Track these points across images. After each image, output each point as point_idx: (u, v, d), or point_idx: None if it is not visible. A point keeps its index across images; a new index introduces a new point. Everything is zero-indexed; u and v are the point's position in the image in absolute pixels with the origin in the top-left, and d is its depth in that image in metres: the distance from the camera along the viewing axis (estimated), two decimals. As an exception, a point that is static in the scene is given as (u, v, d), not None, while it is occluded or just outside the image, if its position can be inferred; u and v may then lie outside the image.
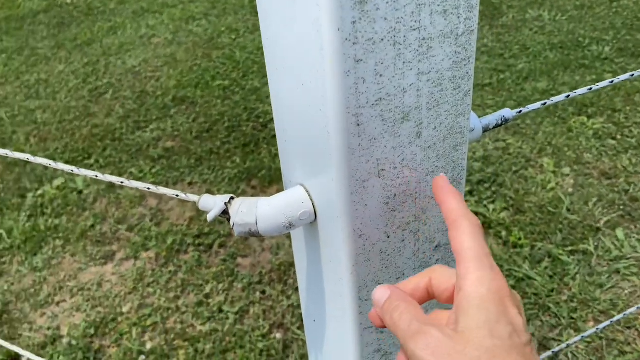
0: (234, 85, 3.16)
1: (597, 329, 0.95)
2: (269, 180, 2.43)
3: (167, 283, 2.01)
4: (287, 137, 0.46)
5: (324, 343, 0.56)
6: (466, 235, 0.37)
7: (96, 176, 0.53)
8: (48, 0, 4.66)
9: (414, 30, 0.36)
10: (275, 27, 0.40)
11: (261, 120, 2.85)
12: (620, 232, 1.96)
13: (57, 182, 2.54)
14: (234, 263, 2.07)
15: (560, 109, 2.68)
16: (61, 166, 0.54)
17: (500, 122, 0.53)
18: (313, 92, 0.38)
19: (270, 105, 2.95)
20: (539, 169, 2.33)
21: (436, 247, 0.48)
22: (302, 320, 1.81)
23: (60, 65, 3.54)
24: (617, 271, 1.82)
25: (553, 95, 2.80)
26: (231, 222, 0.46)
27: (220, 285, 1.97)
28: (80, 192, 2.47)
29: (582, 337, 0.96)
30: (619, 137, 2.46)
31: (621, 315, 0.96)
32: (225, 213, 0.46)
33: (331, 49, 0.34)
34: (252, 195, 2.38)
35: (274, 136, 2.74)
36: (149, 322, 1.86)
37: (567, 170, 2.31)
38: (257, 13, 3.99)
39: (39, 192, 2.50)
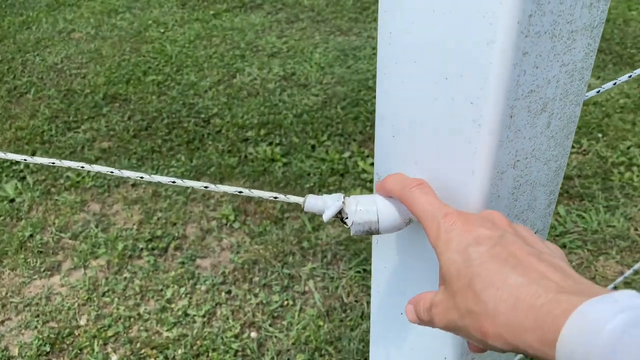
0: (169, 80, 3.04)
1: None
2: (219, 177, 2.37)
3: (124, 291, 1.91)
4: (396, 133, 0.45)
5: (407, 334, 0.56)
6: (417, 198, 0.40)
7: (141, 177, 0.49)
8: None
9: (568, 23, 0.36)
10: (407, 23, 0.39)
11: (202, 115, 2.77)
12: (561, 209, 2.11)
13: (-17, 191, 2.32)
14: (194, 265, 2.00)
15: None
16: (97, 168, 0.50)
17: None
18: (463, 85, 0.37)
19: (211, 100, 2.87)
20: (481, 154, 2.45)
21: (535, 233, 0.49)
22: (273, 318, 1.79)
23: (-32, 63, 3.24)
24: (564, 245, 1.96)
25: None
26: (349, 222, 0.44)
27: (182, 289, 1.91)
28: (12, 201, 2.28)
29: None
30: (547, 121, 2.63)
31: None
32: (339, 212, 0.45)
33: (505, 41, 0.34)
34: (204, 194, 2.31)
35: (219, 132, 2.68)
36: (110, 333, 1.77)
37: (506, 154, 2.44)
38: (183, 6, 3.86)
39: (-37, 202, 2.28)
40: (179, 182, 0.49)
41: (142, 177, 0.49)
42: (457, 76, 0.38)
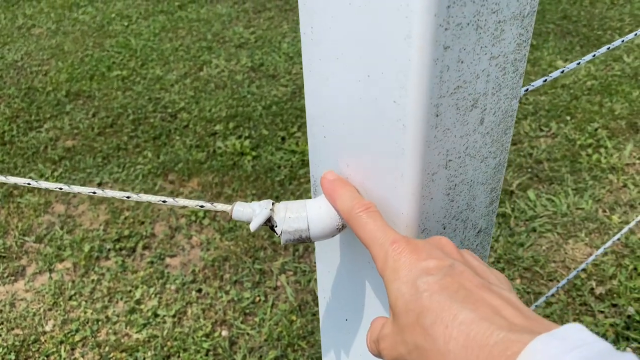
0: (134, 75, 2.97)
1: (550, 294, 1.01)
2: (187, 173, 2.33)
3: (91, 293, 1.87)
4: (327, 134, 0.43)
5: (354, 340, 0.54)
6: (365, 224, 0.38)
7: (94, 192, 0.46)
8: None
9: (493, 13, 0.34)
10: (327, 18, 0.37)
11: (169, 110, 2.71)
12: (531, 193, 2.12)
13: (-58, 196, 2.25)
14: (163, 264, 1.96)
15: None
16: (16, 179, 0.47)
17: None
18: (385, 83, 0.35)
19: (177, 94, 2.81)
20: (451, 141, 2.44)
21: (478, 232, 0.47)
22: (245, 315, 1.77)
23: None
24: (534, 229, 1.97)
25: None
26: (278, 230, 0.42)
27: (152, 289, 1.87)
28: (-28, 205, 2.21)
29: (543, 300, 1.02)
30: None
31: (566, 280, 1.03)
32: (268, 220, 0.42)
33: (422, 35, 0.31)
34: (172, 191, 2.27)
35: (186, 126, 2.63)
36: (77, 338, 1.72)
37: (476, 139, 2.44)
38: (147, -3, 3.76)
39: None
40: (99, 192, 0.46)
41: (60, 189, 0.46)
42: (379, 74, 0.35)
